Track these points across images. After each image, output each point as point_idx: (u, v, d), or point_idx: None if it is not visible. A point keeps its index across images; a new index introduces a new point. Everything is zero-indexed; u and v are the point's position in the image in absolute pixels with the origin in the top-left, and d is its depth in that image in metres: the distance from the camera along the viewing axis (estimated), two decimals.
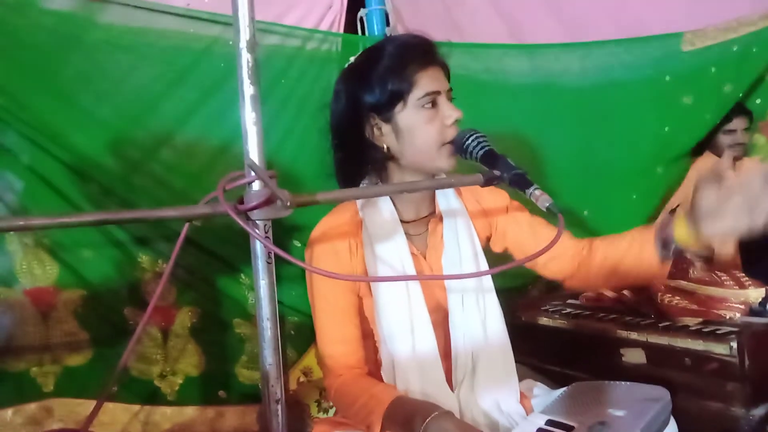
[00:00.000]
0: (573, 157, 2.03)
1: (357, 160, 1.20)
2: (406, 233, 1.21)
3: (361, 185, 1.23)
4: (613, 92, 2.02)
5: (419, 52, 1.14)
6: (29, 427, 1.56)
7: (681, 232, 1.02)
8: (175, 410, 1.73)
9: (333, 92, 1.22)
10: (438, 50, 1.18)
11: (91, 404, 1.62)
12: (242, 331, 1.80)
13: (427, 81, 1.12)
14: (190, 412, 1.74)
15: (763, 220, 0.90)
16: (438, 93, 1.13)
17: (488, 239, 1.34)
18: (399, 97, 1.12)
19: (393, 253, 1.18)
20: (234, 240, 1.71)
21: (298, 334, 1.86)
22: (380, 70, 1.13)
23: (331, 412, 1.87)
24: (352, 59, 1.22)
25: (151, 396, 1.71)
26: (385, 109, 1.13)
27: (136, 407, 1.68)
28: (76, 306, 1.61)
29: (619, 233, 1.20)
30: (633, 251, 1.14)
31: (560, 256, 1.26)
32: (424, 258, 1.24)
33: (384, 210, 1.21)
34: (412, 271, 1.18)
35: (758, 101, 2.14)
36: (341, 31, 1.97)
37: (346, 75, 1.20)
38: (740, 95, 1.95)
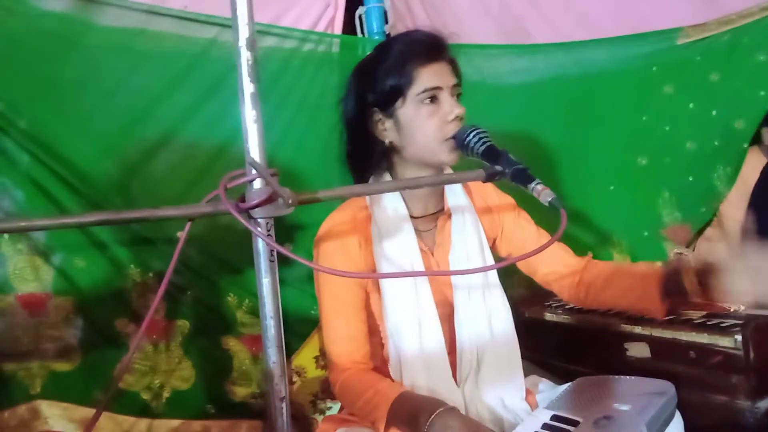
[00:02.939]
0: (551, 152, 2.01)
1: (364, 154, 1.22)
2: (415, 229, 1.21)
3: (370, 180, 1.24)
4: (599, 85, 1.99)
5: (423, 48, 1.15)
6: (21, 428, 1.56)
7: (690, 284, 1.09)
8: (160, 422, 1.73)
9: (345, 88, 1.25)
10: (445, 45, 1.18)
11: (76, 408, 1.62)
12: (231, 347, 1.80)
13: (427, 76, 1.12)
14: (175, 424, 1.74)
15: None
16: (439, 89, 1.13)
17: (495, 240, 1.34)
18: (398, 92, 1.13)
19: (402, 249, 1.19)
20: (222, 257, 1.72)
21: (291, 336, 1.86)
22: (383, 66, 1.15)
23: (328, 413, 1.86)
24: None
25: (137, 408, 1.71)
26: (386, 104, 1.15)
27: (121, 417, 1.68)
28: (68, 312, 1.61)
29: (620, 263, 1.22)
30: (637, 284, 1.17)
31: (560, 273, 1.29)
32: (432, 254, 1.24)
33: (393, 205, 1.21)
34: (420, 268, 1.18)
35: None
36: (340, 29, 1.96)
37: (354, 71, 1.23)
38: (738, 85, 1.90)
